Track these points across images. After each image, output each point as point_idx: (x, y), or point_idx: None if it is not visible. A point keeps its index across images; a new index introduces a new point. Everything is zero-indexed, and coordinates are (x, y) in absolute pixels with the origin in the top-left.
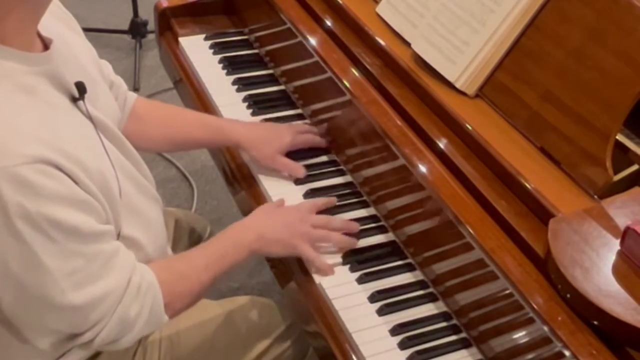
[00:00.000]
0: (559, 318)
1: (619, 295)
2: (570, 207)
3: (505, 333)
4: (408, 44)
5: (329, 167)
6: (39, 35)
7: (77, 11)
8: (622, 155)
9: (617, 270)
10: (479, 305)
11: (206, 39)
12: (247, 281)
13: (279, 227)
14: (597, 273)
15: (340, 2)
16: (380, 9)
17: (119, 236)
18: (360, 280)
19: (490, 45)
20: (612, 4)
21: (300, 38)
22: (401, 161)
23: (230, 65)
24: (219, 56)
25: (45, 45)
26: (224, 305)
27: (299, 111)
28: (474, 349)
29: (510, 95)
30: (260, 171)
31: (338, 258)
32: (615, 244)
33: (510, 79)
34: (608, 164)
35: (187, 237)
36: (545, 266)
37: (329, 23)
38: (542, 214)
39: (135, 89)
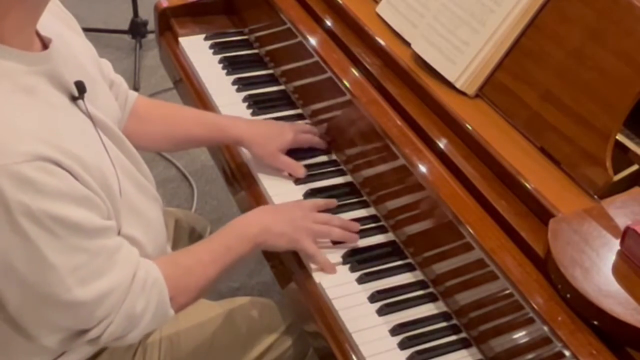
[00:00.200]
0: (559, 318)
1: (619, 295)
2: (570, 207)
3: (505, 333)
4: (408, 44)
5: (329, 167)
6: (38, 35)
7: (77, 11)
8: (622, 155)
9: (617, 270)
10: (479, 305)
11: (206, 39)
12: (247, 281)
13: (282, 221)
14: (597, 273)
15: (340, 2)
16: (380, 9)
17: (119, 235)
18: (360, 280)
19: (490, 45)
20: (612, 4)
21: (300, 38)
22: (401, 161)
23: (230, 65)
24: (219, 56)
25: (45, 44)
26: (224, 306)
27: (299, 111)
28: (474, 349)
29: (510, 95)
30: (260, 171)
31: (338, 258)
32: (615, 244)
33: (510, 79)
34: (608, 164)
35: (187, 237)
36: (545, 266)
37: (329, 23)
38: (542, 214)
39: (135, 89)
